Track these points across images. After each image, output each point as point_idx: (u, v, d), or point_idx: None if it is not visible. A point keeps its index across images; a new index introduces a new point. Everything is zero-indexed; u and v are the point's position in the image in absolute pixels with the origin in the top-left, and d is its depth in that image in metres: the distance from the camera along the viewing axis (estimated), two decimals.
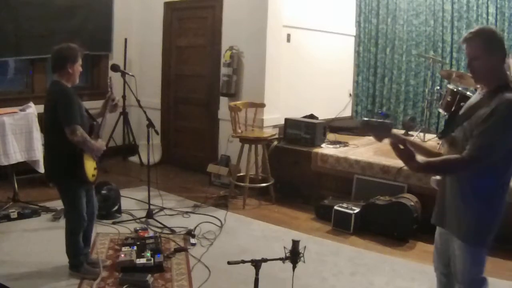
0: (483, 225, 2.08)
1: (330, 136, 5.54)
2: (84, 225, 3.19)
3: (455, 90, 4.95)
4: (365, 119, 2.28)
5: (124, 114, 6.47)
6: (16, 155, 4.46)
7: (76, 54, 3.08)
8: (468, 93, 5.08)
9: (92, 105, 3.76)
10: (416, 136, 5.30)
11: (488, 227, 2.09)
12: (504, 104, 1.95)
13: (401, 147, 2.04)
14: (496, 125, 1.95)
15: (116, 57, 6.39)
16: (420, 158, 2.07)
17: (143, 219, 4.28)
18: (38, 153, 4.48)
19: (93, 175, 3.17)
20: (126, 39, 6.48)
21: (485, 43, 2.04)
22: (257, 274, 2.39)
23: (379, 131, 2.19)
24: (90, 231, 3.34)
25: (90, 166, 3.12)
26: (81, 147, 3.02)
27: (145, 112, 4.25)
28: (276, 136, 5.37)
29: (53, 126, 3.01)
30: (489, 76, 2.08)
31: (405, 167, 4.22)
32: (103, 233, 3.96)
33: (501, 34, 2.04)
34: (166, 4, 6.29)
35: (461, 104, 5.04)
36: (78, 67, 3.10)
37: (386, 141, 2.16)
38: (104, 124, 3.30)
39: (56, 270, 3.25)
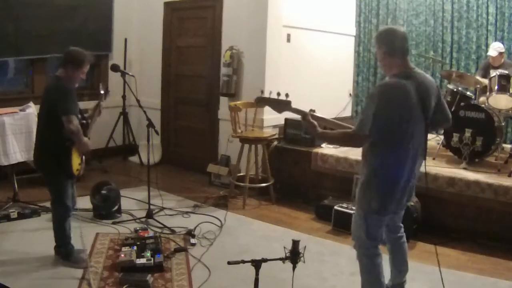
0: (367, 193, 2.54)
1: None
2: (70, 214, 3.37)
3: (455, 90, 4.95)
4: (259, 96, 2.85)
5: (124, 114, 6.48)
6: (16, 155, 4.47)
7: (81, 60, 3.26)
8: (468, 93, 5.09)
9: (92, 105, 3.77)
10: None
11: (368, 195, 2.53)
12: (375, 88, 2.46)
13: (304, 119, 2.59)
14: (367, 105, 2.43)
15: (116, 57, 6.39)
16: (320, 129, 2.59)
17: (143, 219, 4.28)
18: None
19: (77, 169, 3.34)
20: (126, 39, 6.48)
21: (375, 41, 2.56)
22: (257, 274, 2.40)
23: (277, 105, 2.75)
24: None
25: (75, 161, 3.29)
26: (73, 138, 3.17)
27: (145, 112, 4.25)
28: (276, 136, 5.37)
29: (49, 117, 3.18)
30: (383, 66, 2.58)
31: None
32: (103, 233, 3.96)
33: (392, 32, 2.51)
34: (166, 4, 6.29)
35: (461, 104, 5.10)
36: (79, 74, 3.28)
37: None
38: (91, 126, 3.50)
39: (56, 270, 3.25)
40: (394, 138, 2.43)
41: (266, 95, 2.79)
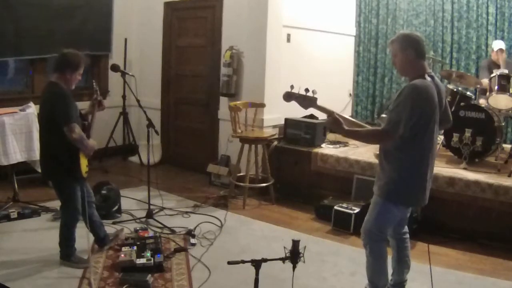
0: (392, 185, 2.65)
1: (330, 136, 5.54)
2: (79, 219, 3.35)
3: (455, 90, 4.95)
4: (288, 91, 2.83)
5: (124, 114, 6.48)
6: (16, 155, 4.47)
7: (78, 63, 3.22)
8: (468, 93, 5.09)
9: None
10: None
11: (396, 188, 2.64)
12: (407, 88, 2.52)
13: (331, 116, 2.68)
14: (400, 104, 2.50)
15: (116, 57, 6.39)
16: (346, 126, 2.67)
17: (143, 219, 4.28)
18: (38, 153, 4.48)
19: (86, 172, 3.33)
20: (126, 39, 6.47)
21: (399, 43, 2.64)
22: (257, 274, 2.39)
23: (303, 101, 2.83)
24: (94, 215, 3.51)
25: (83, 164, 3.29)
26: (77, 145, 3.15)
27: (145, 112, 4.25)
28: (276, 136, 5.37)
29: (50, 125, 3.14)
30: (405, 68, 2.66)
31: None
32: None
33: (417, 36, 2.67)
34: (166, 4, 6.29)
35: (461, 104, 5.09)
36: (76, 75, 3.24)
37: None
38: (93, 125, 3.46)
39: (57, 270, 3.25)
40: (425, 136, 2.58)
41: (295, 90, 2.86)
